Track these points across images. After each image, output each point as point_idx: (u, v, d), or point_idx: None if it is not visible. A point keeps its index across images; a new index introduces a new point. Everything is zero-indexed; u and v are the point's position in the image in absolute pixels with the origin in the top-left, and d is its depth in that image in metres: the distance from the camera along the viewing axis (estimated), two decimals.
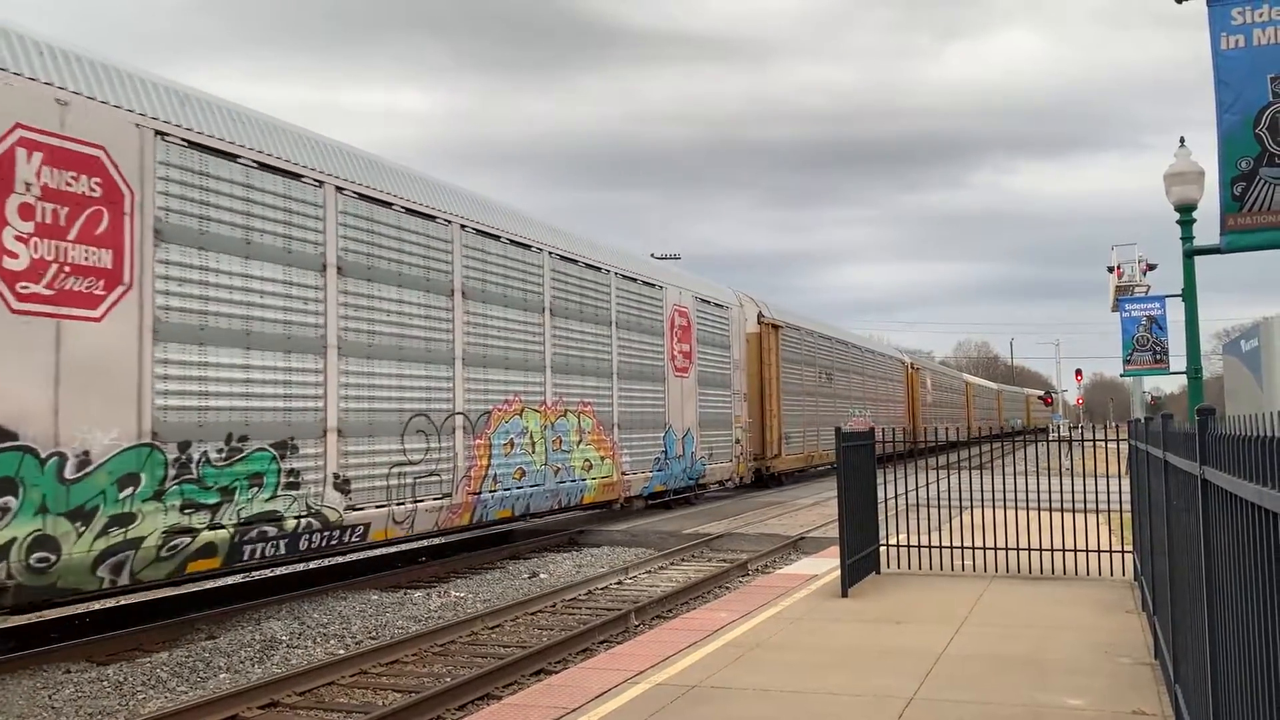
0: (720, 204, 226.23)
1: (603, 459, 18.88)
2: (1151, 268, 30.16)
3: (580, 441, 18.02)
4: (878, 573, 11.66)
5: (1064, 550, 11.63)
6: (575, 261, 18.32)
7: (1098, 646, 8.01)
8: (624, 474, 19.69)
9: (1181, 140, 14.40)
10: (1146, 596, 8.51)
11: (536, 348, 16.82)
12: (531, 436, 16.36)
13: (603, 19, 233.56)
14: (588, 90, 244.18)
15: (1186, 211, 14.04)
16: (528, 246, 16.71)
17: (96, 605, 11.65)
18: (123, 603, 12.18)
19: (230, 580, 13.77)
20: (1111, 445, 12.67)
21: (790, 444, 29.96)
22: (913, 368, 51.41)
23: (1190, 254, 13.58)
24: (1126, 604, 9.76)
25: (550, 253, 17.52)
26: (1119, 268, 29.70)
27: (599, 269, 19.25)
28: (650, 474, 20.91)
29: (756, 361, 28.07)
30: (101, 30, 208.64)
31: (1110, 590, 10.55)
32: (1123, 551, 11.61)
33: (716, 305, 25.51)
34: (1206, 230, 12.64)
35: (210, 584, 13.29)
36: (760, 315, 28.42)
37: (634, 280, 20.82)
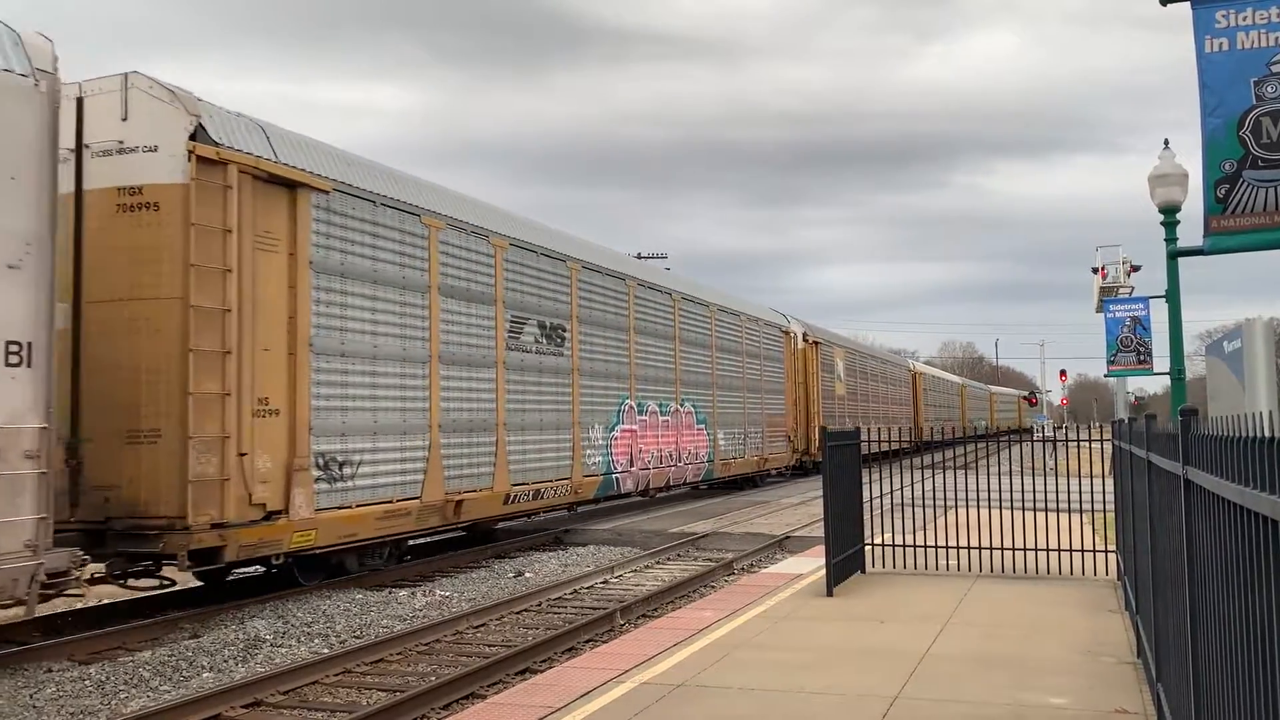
0: (698, 204, 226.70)
1: None
2: (1136, 269, 30.26)
3: None
4: (863, 572, 11.69)
5: (1047, 550, 11.68)
6: None
7: (1080, 646, 8.05)
8: None
9: (1166, 142, 14.49)
10: (1129, 596, 8.56)
11: None
12: None
13: (578, 17, 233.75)
14: (565, 89, 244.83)
15: (1170, 213, 14.13)
16: None
17: (79, 605, 11.57)
18: (105, 601, 12.10)
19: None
20: (1095, 445, 12.74)
21: (343, 483, 12.57)
22: (806, 340, 33.79)
23: (1174, 255, 13.66)
24: (1109, 604, 9.81)
25: None
26: (1103, 269, 29.78)
27: None
28: None
29: (194, 257, 11.00)
30: (81, 23, 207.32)
31: (1093, 590, 10.60)
32: (1106, 551, 11.67)
33: None
34: (1191, 232, 12.71)
35: (192, 584, 13.23)
36: (196, 136, 11.02)
37: None
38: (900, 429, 31.47)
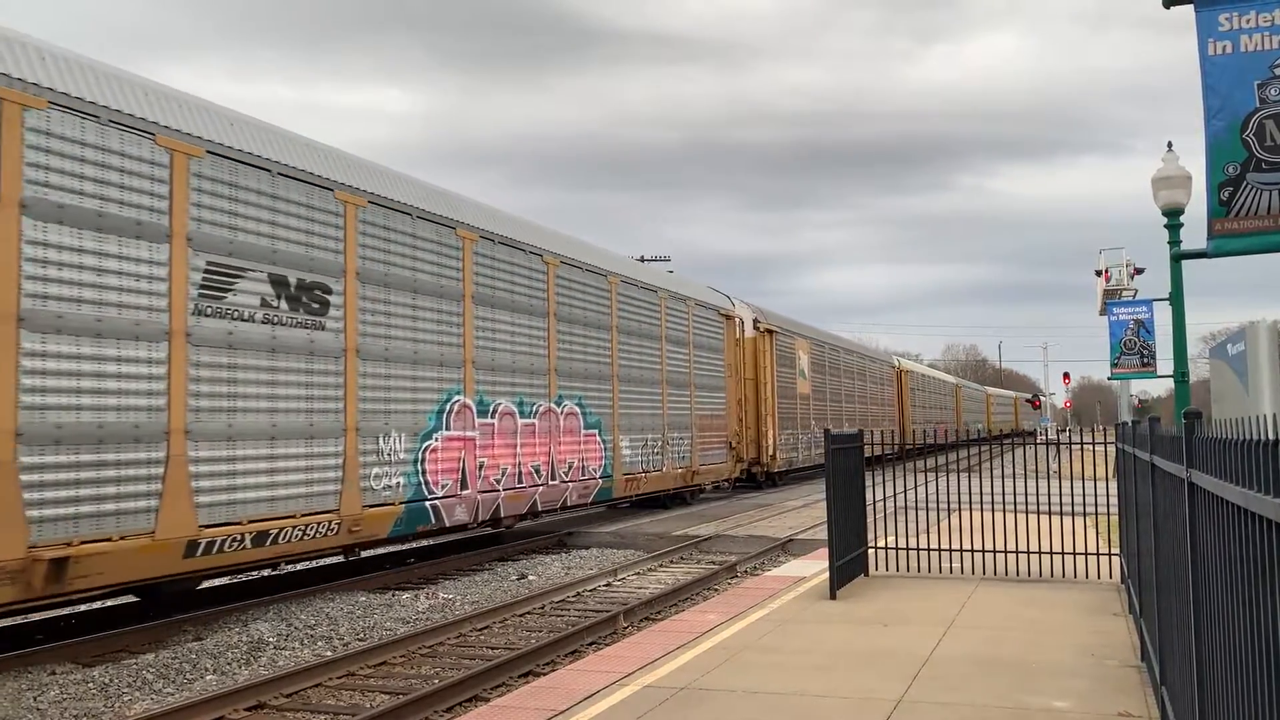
0: (701, 206, 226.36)
1: None
2: (1139, 271, 30.21)
3: None
4: (866, 575, 11.68)
5: (1051, 553, 11.67)
6: None
7: (1084, 649, 8.04)
8: None
9: (1169, 145, 14.50)
10: (1133, 599, 8.55)
11: None
12: None
13: (581, 18, 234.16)
14: (567, 90, 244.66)
15: (1174, 216, 14.13)
16: None
17: (83, 606, 11.59)
18: (110, 604, 12.12)
19: (219, 580, 13.71)
20: (1099, 448, 12.75)
21: None
22: (757, 327, 28.34)
23: (1177, 258, 13.65)
24: (1113, 607, 9.80)
25: None
26: (1106, 271, 29.71)
27: None
28: None
29: None
30: (81, 26, 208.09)
31: (1097, 593, 10.59)
32: (1110, 554, 11.66)
33: None
34: (1194, 234, 12.70)
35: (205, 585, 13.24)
36: None
37: None
38: (880, 433, 28.36)
